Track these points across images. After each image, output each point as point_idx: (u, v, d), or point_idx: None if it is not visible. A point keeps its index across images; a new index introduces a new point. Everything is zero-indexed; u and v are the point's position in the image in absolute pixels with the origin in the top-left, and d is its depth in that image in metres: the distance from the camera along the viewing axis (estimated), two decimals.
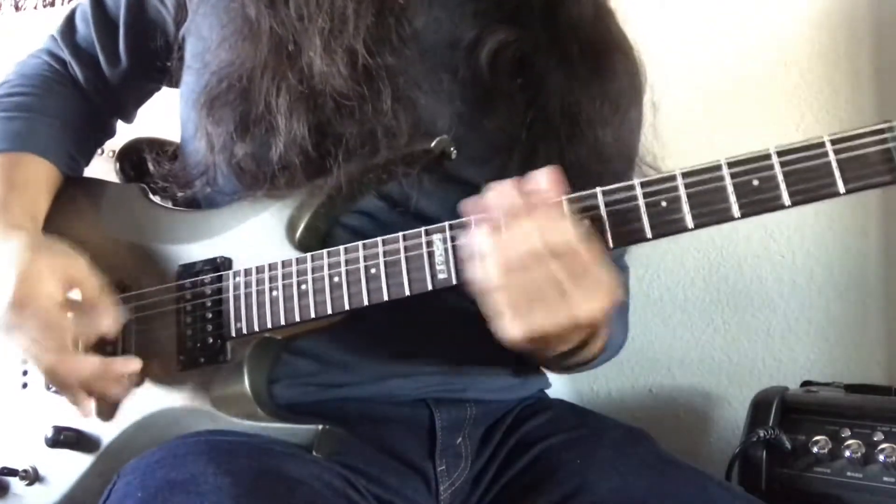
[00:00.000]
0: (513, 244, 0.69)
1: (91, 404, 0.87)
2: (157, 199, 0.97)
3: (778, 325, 1.35)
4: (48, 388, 0.91)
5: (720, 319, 1.38)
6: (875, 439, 0.98)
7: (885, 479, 0.96)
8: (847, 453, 0.98)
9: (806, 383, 1.21)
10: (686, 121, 1.35)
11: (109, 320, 0.86)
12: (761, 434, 1.02)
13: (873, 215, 1.31)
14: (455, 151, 0.83)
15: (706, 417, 1.39)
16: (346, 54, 0.83)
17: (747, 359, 1.36)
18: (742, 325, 1.37)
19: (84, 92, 1.04)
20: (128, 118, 1.12)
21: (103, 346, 0.88)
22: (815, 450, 1.00)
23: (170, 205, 0.97)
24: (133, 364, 0.86)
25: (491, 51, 0.89)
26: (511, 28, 0.90)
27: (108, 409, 0.88)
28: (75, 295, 0.85)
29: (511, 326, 0.71)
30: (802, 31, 1.34)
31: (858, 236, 1.31)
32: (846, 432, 1.00)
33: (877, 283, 1.30)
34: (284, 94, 0.83)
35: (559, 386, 1.04)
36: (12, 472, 0.91)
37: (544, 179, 0.73)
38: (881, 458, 0.96)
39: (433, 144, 0.83)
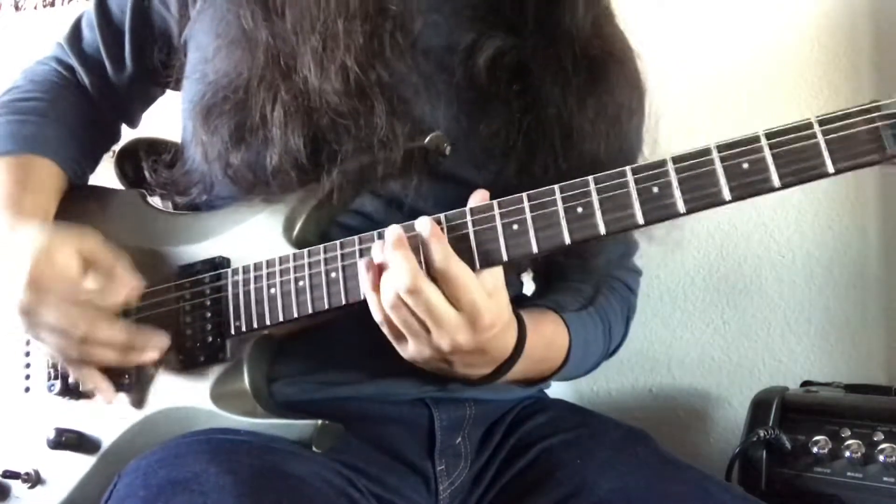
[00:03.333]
0: (385, 285, 0.76)
1: (112, 389, 0.87)
2: (156, 201, 0.97)
3: (778, 325, 1.35)
4: (50, 391, 0.91)
5: (720, 319, 1.38)
6: (875, 439, 0.98)
7: (885, 479, 0.96)
8: (847, 453, 0.98)
9: (806, 383, 1.21)
10: (685, 121, 1.35)
11: (129, 287, 0.86)
12: (761, 434, 1.02)
13: (873, 215, 1.31)
14: (449, 148, 0.84)
15: (706, 417, 1.39)
16: (339, 71, 0.83)
17: (747, 359, 1.36)
18: (742, 325, 1.37)
19: (91, 98, 1.05)
20: (132, 123, 1.12)
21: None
22: (815, 450, 1.00)
23: (169, 208, 0.98)
24: (162, 339, 0.86)
25: (488, 57, 0.89)
26: (508, 35, 0.91)
27: (137, 395, 0.88)
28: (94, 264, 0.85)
29: (400, 352, 0.80)
30: (802, 31, 1.34)
31: (858, 236, 1.31)
32: (846, 432, 1.00)
33: (877, 283, 1.30)
34: (280, 107, 0.83)
35: (559, 386, 1.04)
36: (14, 475, 0.91)
37: (422, 221, 0.77)
38: (881, 458, 0.96)
39: (427, 141, 0.83)
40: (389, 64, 0.86)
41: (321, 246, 0.83)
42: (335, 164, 0.83)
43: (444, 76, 0.90)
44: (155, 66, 0.99)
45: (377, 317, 0.78)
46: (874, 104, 0.68)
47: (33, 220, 0.88)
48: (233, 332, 0.85)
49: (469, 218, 0.78)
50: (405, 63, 0.87)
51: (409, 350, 0.79)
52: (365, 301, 0.80)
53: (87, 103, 1.04)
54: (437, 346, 0.76)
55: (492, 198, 0.78)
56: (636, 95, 0.96)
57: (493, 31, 0.90)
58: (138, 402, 0.88)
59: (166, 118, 1.06)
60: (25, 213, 0.89)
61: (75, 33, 1.05)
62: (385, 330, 0.79)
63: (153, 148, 1.01)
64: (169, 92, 1.08)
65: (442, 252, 0.75)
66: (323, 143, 0.84)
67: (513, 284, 0.98)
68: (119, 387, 0.88)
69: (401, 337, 0.78)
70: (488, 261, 0.77)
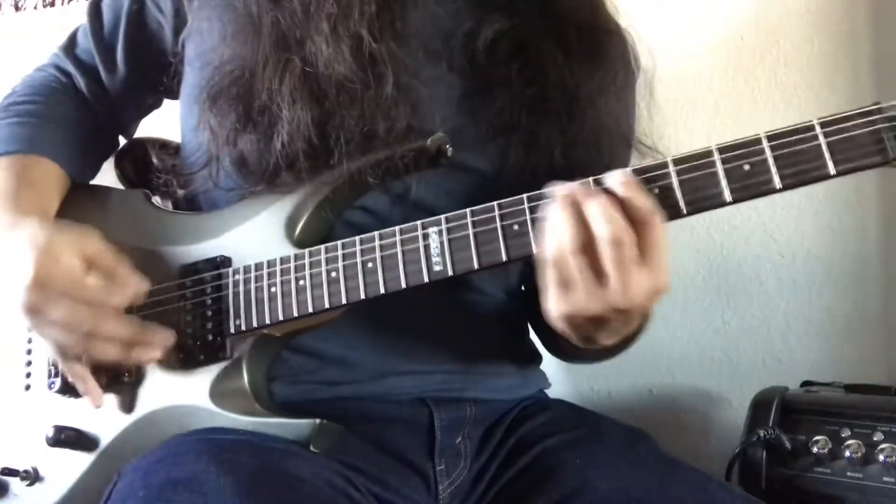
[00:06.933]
0: (576, 227, 0.71)
1: (100, 394, 0.87)
2: (157, 199, 0.97)
3: (778, 325, 1.35)
4: (50, 388, 0.91)
5: (720, 319, 1.38)
6: (875, 439, 0.98)
7: (885, 479, 0.96)
8: (847, 453, 0.98)
9: (806, 383, 1.21)
10: (685, 121, 1.35)
11: (134, 287, 0.85)
12: (761, 434, 1.02)
13: (873, 215, 1.31)
14: (451, 149, 0.84)
15: (706, 417, 1.39)
16: (351, 39, 0.84)
17: (747, 359, 1.36)
18: (742, 325, 1.37)
19: (88, 102, 1.05)
20: (126, 132, 1.12)
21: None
22: (815, 450, 1.00)
23: (171, 207, 0.98)
24: (167, 336, 0.85)
25: (487, 40, 0.90)
26: (507, 17, 0.92)
27: (137, 393, 0.88)
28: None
29: (551, 303, 0.73)
30: (802, 31, 1.34)
31: (858, 236, 1.31)
32: (846, 432, 1.00)
33: (877, 283, 1.30)
34: (288, 83, 0.84)
35: (559, 386, 1.04)
36: (13, 473, 0.91)
37: (615, 174, 0.73)
38: (881, 458, 0.96)
39: (429, 142, 0.84)
40: (399, 39, 0.86)
41: (322, 246, 0.83)
42: (342, 134, 0.83)
43: (444, 63, 0.91)
44: (148, 69, 1.00)
45: (552, 255, 0.72)
46: (875, 106, 0.69)
47: (30, 216, 0.88)
48: (233, 330, 0.85)
49: (469, 219, 0.78)
50: (410, 43, 0.88)
51: (573, 299, 0.72)
52: (364, 301, 0.80)
53: (84, 107, 1.05)
54: (612, 302, 0.71)
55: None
56: (630, 69, 0.98)
57: (492, 14, 0.92)
58: (138, 400, 0.88)
59: (165, 120, 1.07)
60: (22, 209, 0.89)
61: (71, 42, 1.06)
62: (550, 273, 0.73)
63: (158, 142, 1.01)
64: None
65: (650, 203, 0.71)
66: (330, 117, 0.84)
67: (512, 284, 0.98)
68: (119, 384, 0.88)
69: (567, 284, 0.72)
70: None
